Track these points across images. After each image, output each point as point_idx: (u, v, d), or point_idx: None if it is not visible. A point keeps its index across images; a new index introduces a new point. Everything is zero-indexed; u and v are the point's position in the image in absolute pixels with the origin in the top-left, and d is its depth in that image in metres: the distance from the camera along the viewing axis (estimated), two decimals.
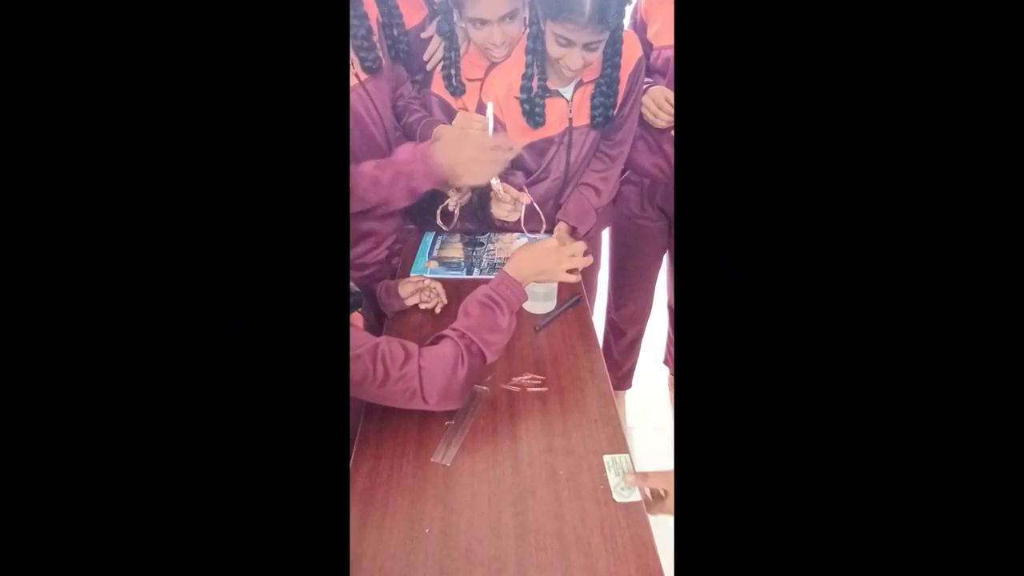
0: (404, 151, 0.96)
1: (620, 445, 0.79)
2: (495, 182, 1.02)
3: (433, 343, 0.80)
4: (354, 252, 1.11)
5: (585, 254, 0.92)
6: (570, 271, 0.90)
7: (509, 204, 1.09)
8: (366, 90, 0.99)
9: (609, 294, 1.56)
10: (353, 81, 0.96)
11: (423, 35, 1.08)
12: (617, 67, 1.06)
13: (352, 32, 0.95)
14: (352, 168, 0.94)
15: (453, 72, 1.07)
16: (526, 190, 1.10)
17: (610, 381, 0.91)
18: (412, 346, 0.77)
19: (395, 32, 1.05)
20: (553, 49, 0.98)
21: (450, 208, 1.10)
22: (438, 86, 1.10)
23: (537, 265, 0.89)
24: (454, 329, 0.80)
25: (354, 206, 0.97)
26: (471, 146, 0.95)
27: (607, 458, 0.77)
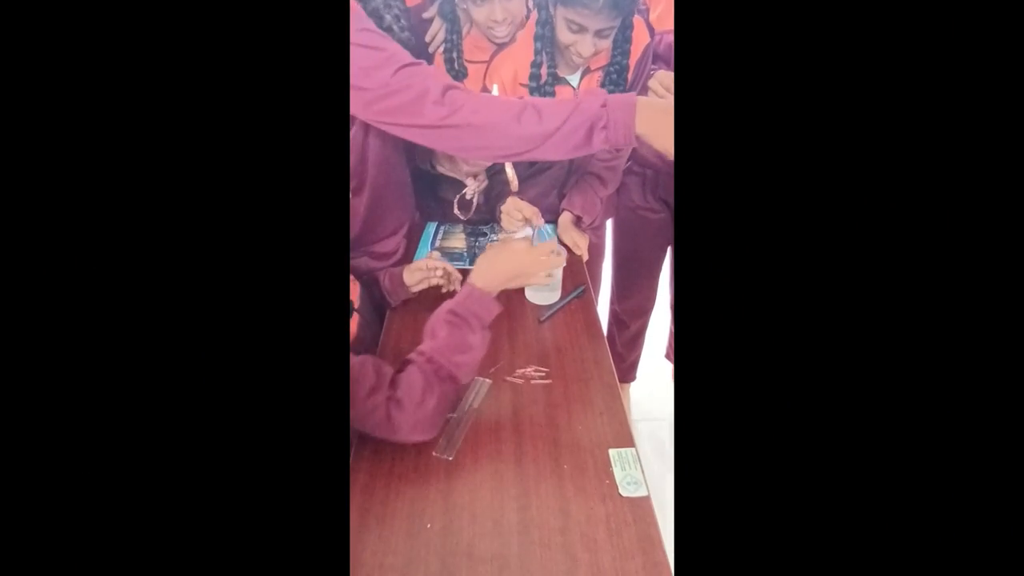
0: (590, 97, 0.79)
1: (626, 439, 0.77)
2: (510, 170, 0.99)
3: (400, 370, 0.73)
4: (372, 238, 1.07)
5: (588, 245, 0.88)
6: (545, 274, 0.84)
7: (519, 221, 1.04)
8: None
9: (612, 286, 1.54)
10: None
11: (425, 15, 1.06)
12: (627, 54, 1.03)
13: (385, 12, 0.91)
14: (489, 98, 0.81)
15: (455, 55, 1.04)
16: (539, 215, 1.05)
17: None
18: (386, 372, 0.71)
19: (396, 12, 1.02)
20: (564, 35, 0.95)
21: (468, 196, 1.07)
22: (439, 68, 1.07)
23: (508, 270, 0.82)
24: (420, 353, 0.74)
25: (501, 149, 0.81)
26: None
27: (613, 452, 0.75)
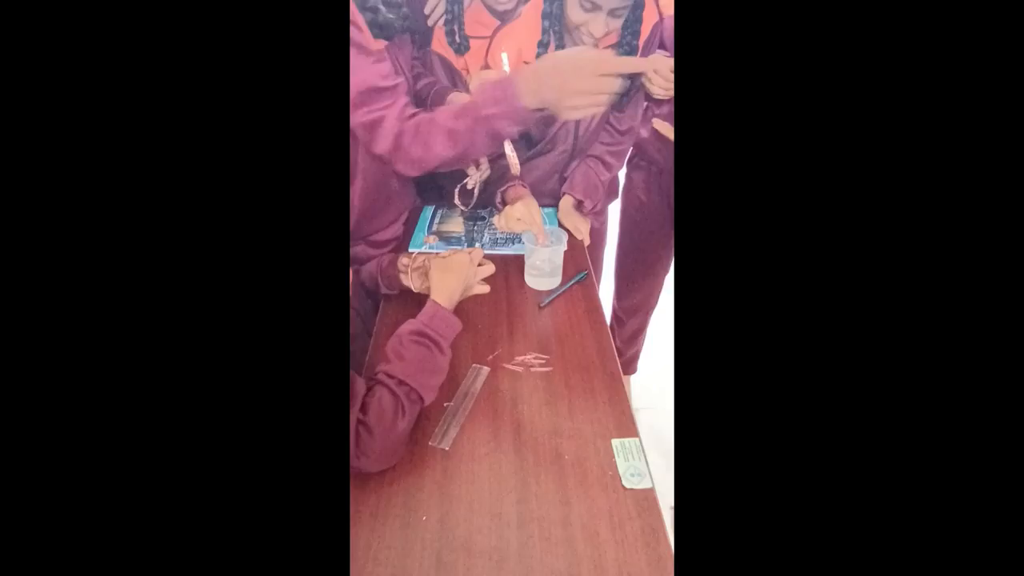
0: (482, 92, 0.80)
1: (629, 429, 0.75)
2: (509, 150, 0.95)
3: (368, 392, 0.69)
4: (371, 228, 1.05)
5: (589, 229, 0.85)
6: (480, 282, 0.86)
7: (520, 221, 1.01)
8: (390, 56, 0.92)
9: (615, 284, 1.52)
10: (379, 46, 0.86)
11: None
12: (637, 35, 1.00)
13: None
14: (422, 118, 0.83)
15: (456, 27, 1.00)
16: (543, 230, 1.02)
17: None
18: (358, 388, 0.68)
19: None
20: (576, 14, 0.92)
21: (469, 186, 1.03)
22: (439, 43, 1.03)
23: (460, 283, 0.82)
24: (390, 376, 0.70)
25: (426, 164, 0.84)
26: (581, 65, 0.71)
27: (615, 442, 0.73)
